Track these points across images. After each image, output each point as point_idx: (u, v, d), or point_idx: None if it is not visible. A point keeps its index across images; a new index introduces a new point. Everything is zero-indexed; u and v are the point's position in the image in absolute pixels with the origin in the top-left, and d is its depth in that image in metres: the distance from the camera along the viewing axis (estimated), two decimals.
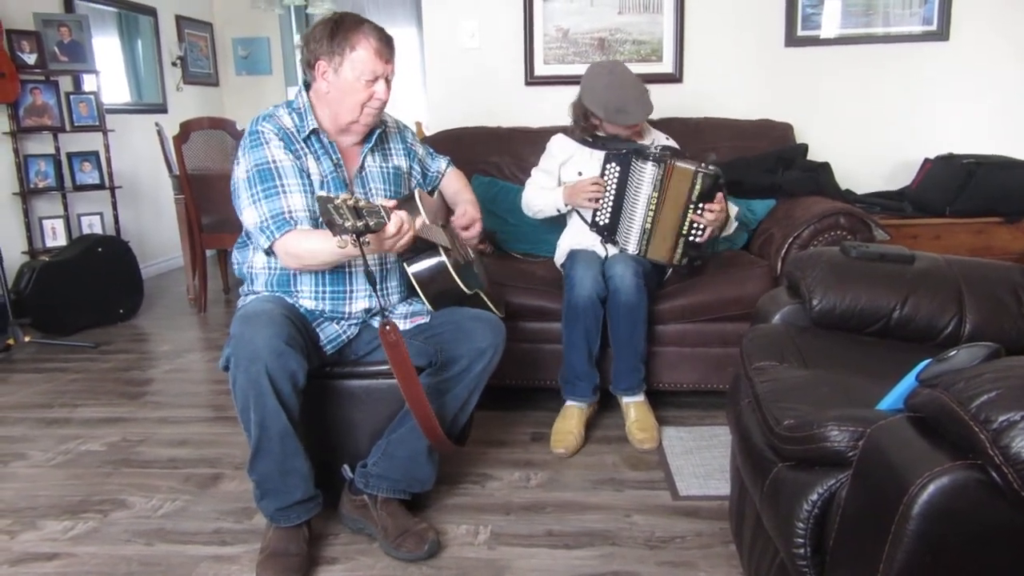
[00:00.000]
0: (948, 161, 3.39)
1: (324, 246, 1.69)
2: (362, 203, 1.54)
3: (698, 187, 2.43)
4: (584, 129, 2.65)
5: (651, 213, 2.50)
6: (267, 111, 1.93)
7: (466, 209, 2.19)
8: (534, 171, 2.83)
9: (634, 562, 1.84)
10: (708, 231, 2.48)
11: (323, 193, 1.57)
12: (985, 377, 0.96)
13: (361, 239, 1.54)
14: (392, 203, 1.74)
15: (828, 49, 3.55)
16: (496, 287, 2.42)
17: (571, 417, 2.49)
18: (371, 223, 1.54)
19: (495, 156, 3.27)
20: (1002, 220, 3.23)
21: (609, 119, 2.56)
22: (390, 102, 1.96)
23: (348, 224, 1.49)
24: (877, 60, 3.54)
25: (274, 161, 1.85)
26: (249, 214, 1.85)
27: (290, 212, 1.82)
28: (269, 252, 1.88)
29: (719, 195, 2.45)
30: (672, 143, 2.76)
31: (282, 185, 1.84)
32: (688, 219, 2.47)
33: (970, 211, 3.22)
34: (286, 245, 1.82)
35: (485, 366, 1.94)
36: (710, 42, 3.57)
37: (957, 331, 1.72)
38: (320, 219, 1.53)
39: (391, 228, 1.66)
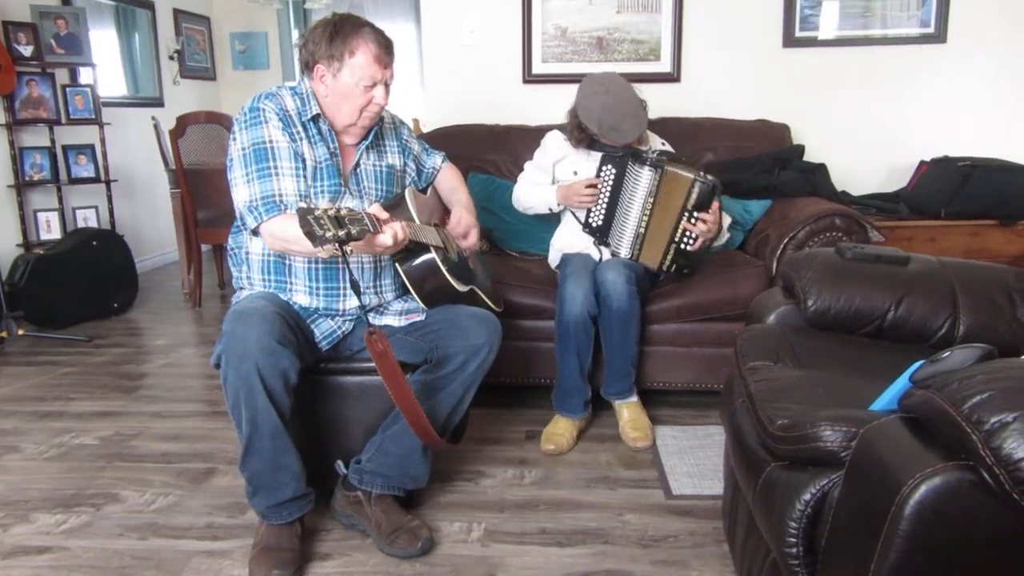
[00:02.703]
0: (944, 164, 3.40)
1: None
2: (343, 212, 1.52)
3: (694, 196, 2.41)
4: (579, 140, 2.64)
5: (645, 218, 2.50)
6: (271, 90, 1.92)
7: (461, 216, 2.18)
8: (527, 165, 2.82)
9: (627, 561, 1.84)
10: (699, 240, 2.46)
11: (302, 205, 1.56)
12: (978, 378, 0.97)
13: (344, 247, 1.52)
14: (377, 207, 1.71)
15: (826, 50, 3.56)
16: (493, 284, 2.41)
17: (563, 423, 2.50)
18: (353, 231, 1.52)
19: (492, 154, 3.27)
20: (997, 223, 3.24)
21: (603, 136, 2.55)
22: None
23: (328, 234, 1.47)
24: (874, 62, 3.54)
25: (271, 141, 1.84)
26: (240, 192, 1.84)
27: (280, 195, 1.82)
28: (255, 233, 1.87)
29: (714, 205, 2.43)
30: (669, 148, 2.76)
31: (276, 167, 1.83)
32: (681, 227, 2.46)
33: (965, 214, 3.23)
34: (272, 228, 1.81)
35: (480, 364, 1.94)
36: (708, 42, 3.57)
37: (951, 333, 1.72)
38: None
39: (386, 240, 1.66)
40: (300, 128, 1.89)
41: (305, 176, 1.87)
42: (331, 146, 1.93)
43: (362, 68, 1.84)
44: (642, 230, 2.51)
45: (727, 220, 2.66)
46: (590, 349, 2.47)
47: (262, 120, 1.86)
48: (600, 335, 2.48)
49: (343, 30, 1.84)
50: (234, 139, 1.88)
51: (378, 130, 2.04)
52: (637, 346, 2.51)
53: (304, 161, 1.88)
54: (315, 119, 1.91)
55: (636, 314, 2.44)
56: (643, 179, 2.49)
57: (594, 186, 2.54)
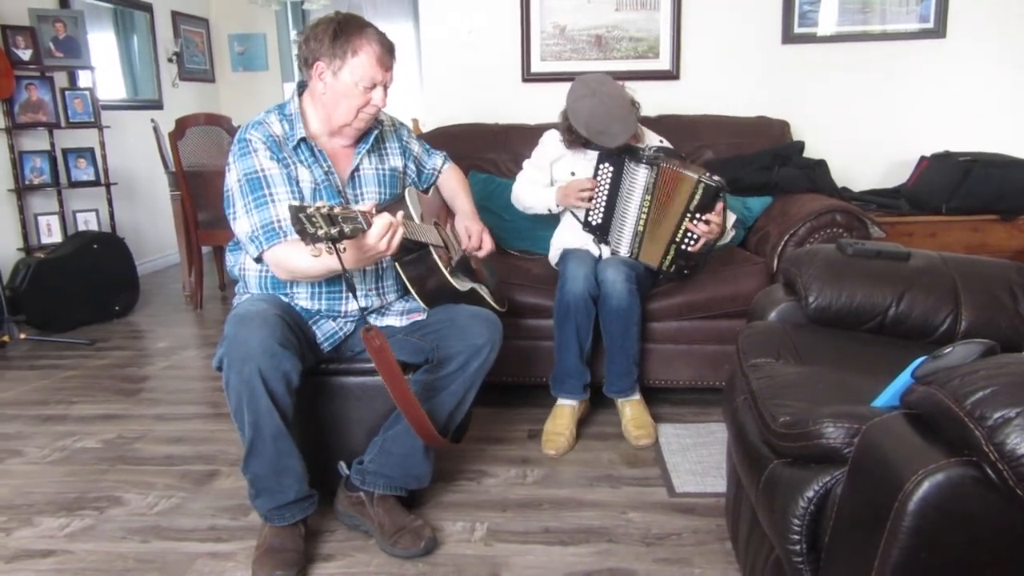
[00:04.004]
0: (944, 159, 3.40)
1: (311, 261, 1.61)
2: (337, 210, 1.51)
3: (698, 196, 2.39)
4: (571, 142, 2.64)
5: (643, 216, 2.50)
6: (257, 118, 1.92)
7: (469, 229, 2.17)
8: (525, 164, 2.81)
9: (630, 559, 1.84)
10: (701, 241, 2.44)
11: (295, 202, 1.55)
12: (980, 374, 0.97)
13: (336, 246, 1.51)
14: (370, 205, 1.69)
15: (825, 47, 3.56)
16: (497, 283, 2.41)
17: (562, 417, 2.49)
18: (346, 229, 1.50)
19: (491, 153, 3.26)
20: (998, 218, 3.24)
21: (592, 139, 2.54)
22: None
23: (320, 232, 1.45)
24: (874, 58, 3.54)
25: (262, 170, 1.84)
26: (240, 224, 1.84)
27: (279, 222, 1.81)
28: (259, 260, 1.87)
29: (718, 206, 2.41)
30: (667, 144, 2.76)
31: (271, 194, 1.83)
32: (683, 227, 2.44)
33: (966, 209, 3.22)
34: (275, 257, 1.81)
35: (481, 363, 1.94)
36: (707, 39, 3.57)
37: (953, 328, 1.72)
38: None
39: (377, 229, 1.63)
40: (291, 152, 1.88)
41: (304, 199, 1.86)
42: (325, 165, 1.92)
43: (363, 68, 1.83)
44: (641, 228, 2.51)
45: (731, 219, 2.65)
46: (590, 332, 2.46)
47: (250, 150, 1.85)
48: (601, 332, 2.48)
49: (347, 29, 1.83)
50: (229, 171, 1.89)
51: (379, 133, 2.04)
52: (638, 344, 2.51)
53: (299, 184, 1.87)
54: (303, 141, 1.90)
55: (636, 312, 2.44)
56: (639, 177, 2.49)
57: (591, 185, 2.54)
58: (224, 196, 1.91)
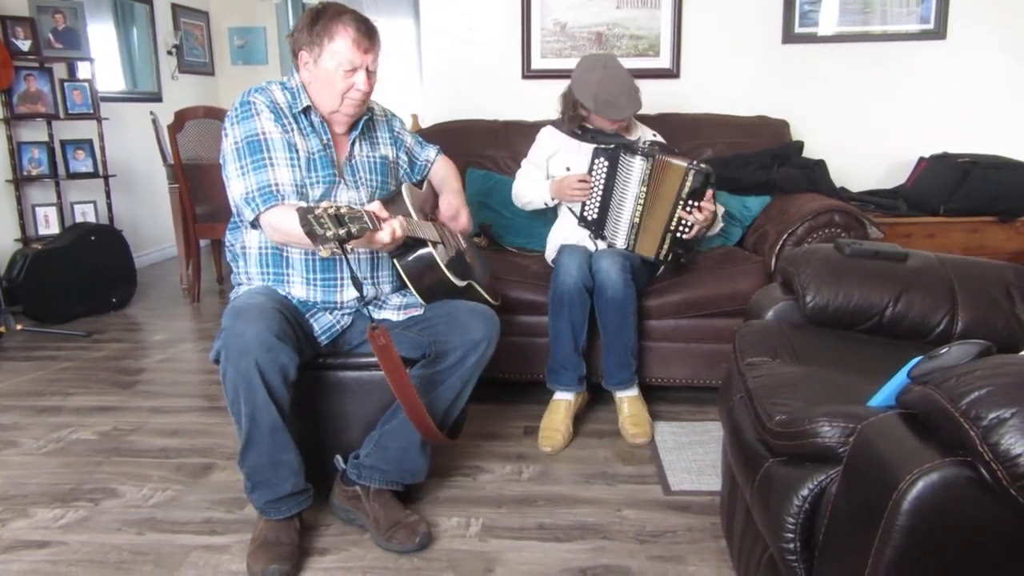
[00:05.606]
0: (943, 160, 3.40)
1: None
2: (343, 209, 1.53)
3: (688, 184, 2.43)
4: (571, 119, 2.65)
5: (639, 208, 2.51)
6: (260, 84, 1.93)
7: (449, 200, 2.17)
8: (524, 162, 2.83)
9: (625, 556, 1.85)
10: (696, 228, 2.48)
11: (302, 204, 1.56)
12: (976, 374, 0.97)
13: (344, 247, 1.53)
14: (377, 205, 1.72)
15: (825, 47, 3.56)
16: (490, 278, 2.41)
17: (558, 412, 2.49)
18: (353, 229, 1.53)
19: (491, 149, 3.26)
20: (996, 220, 3.24)
21: (598, 111, 2.56)
22: (384, 93, 1.94)
23: (329, 233, 1.48)
24: (874, 58, 3.54)
25: (263, 133, 1.85)
26: (236, 185, 1.85)
27: (277, 185, 1.82)
28: (255, 225, 1.87)
29: (709, 193, 2.45)
30: (660, 139, 2.77)
31: (270, 158, 1.84)
32: (677, 215, 2.47)
33: (964, 210, 3.23)
34: (271, 219, 1.82)
35: (479, 358, 1.94)
36: (707, 38, 3.57)
37: (949, 329, 1.72)
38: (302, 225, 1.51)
39: (384, 237, 1.67)
40: (291, 120, 1.90)
41: (300, 166, 1.87)
42: (324, 138, 1.94)
43: (341, 53, 1.84)
44: (637, 220, 2.52)
45: (721, 209, 2.68)
46: (584, 324, 2.46)
47: (253, 113, 1.86)
48: (598, 323, 2.48)
49: (324, 16, 1.85)
50: (226, 135, 1.89)
51: (368, 120, 2.04)
52: (636, 335, 2.51)
53: (298, 152, 1.88)
54: (306, 111, 1.92)
55: (632, 302, 2.45)
56: (635, 169, 2.50)
57: (586, 180, 2.55)
58: (220, 159, 1.90)
